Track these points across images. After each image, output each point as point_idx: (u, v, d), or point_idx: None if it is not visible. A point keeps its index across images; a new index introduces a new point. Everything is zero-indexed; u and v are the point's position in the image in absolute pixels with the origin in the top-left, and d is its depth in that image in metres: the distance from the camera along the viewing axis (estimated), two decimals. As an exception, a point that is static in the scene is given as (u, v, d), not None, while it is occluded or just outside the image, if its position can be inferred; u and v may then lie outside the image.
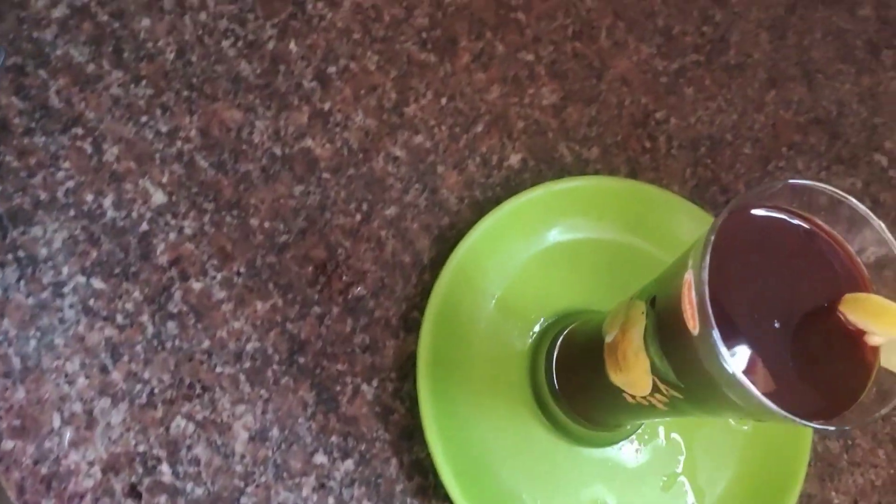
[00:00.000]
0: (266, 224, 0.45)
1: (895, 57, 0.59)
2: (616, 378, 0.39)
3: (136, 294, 0.42)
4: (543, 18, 0.53)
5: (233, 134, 0.45)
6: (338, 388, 0.43)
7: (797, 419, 0.29)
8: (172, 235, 0.43)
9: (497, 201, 0.46)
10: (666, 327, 0.34)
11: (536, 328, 0.47)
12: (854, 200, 0.33)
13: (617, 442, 0.46)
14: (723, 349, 0.29)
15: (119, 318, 0.42)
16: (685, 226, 0.49)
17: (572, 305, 0.47)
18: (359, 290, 0.45)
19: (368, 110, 0.48)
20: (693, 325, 0.31)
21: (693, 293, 0.31)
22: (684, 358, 0.33)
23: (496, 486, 0.43)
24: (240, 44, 0.47)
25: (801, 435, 0.48)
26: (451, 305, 0.45)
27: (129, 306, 0.42)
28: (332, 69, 0.48)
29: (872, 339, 0.32)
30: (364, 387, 0.44)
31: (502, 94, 0.50)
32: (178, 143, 0.45)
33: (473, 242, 0.46)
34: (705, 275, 0.30)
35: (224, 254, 0.44)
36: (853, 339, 0.32)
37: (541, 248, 0.47)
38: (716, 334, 0.29)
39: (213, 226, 0.44)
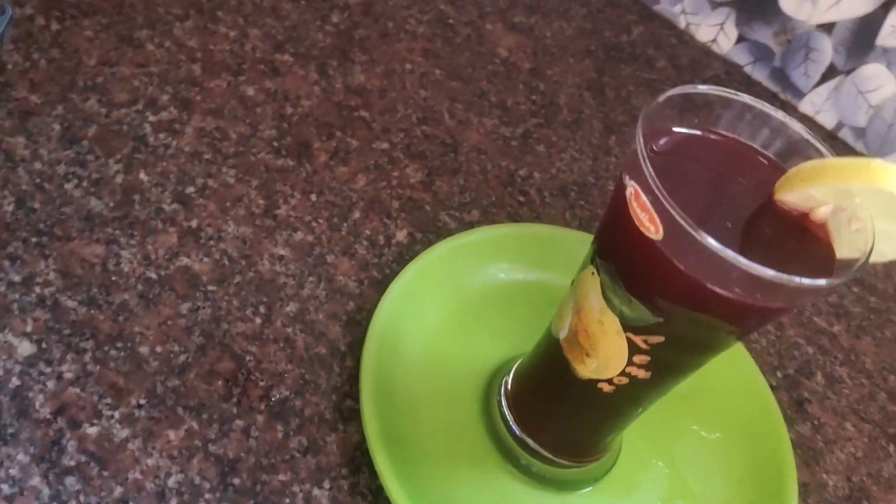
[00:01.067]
0: (158, 349, 0.39)
1: (701, 92, 0.64)
2: (586, 367, 0.36)
3: (21, 456, 0.35)
4: (386, 112, 0.53)
5: (98, 268, 0.41)
6: (286, 500, 0.37)
7: (793, 276, 0.28)
8: (51, 384, 0.37)
9: (396, 275, 0.44)
10: (623, 264, 0.32)
11: (480, 383, 0.43)
12: (749, 97, 0.33)
13: (601, 476, 0.42)
14: (694, 228, 0.28)
15: (5, 488, 0.34)
16: (586, 251, 0.48)
17: (505, 353, 0.44)
18: (280, 392, 0.40)
19: (239, 219, 0.45)
20: (655, 230, 0.29)
21: (643, 197, 0.29)
22: (655, 280, 0.31)
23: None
24: (85, 183, 0.44)
25: (775, 424, 0.46)
26: (385, 383, 0.40)
27: (15, 472, 0.34)
28: (190, 189, 0.45)
29: (818, 214, 0.32)
30: (316, 491, 0.37)
31: (369, 180, 0.49)
32: (37, 289, 0.39)
33: (387, 315, 0.42)
34: (649, 167, 0.29)
35: (117, 389, 0.38)
36: (802, 225, 0.32)
37: (457, 303, 0.45)
38: (681, 216, 0.28)
39: (97, 363, 0.38)
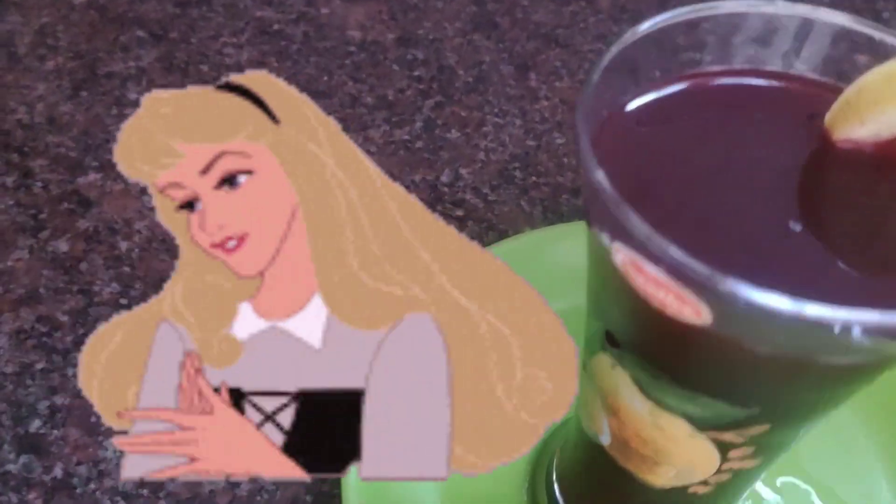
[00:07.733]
0: None
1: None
2: (660, 476, 0.24)
3: None
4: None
5: None
6: None
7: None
8: None
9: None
10: (660, 358, 0.20)
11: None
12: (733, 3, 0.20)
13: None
14: (769, 297, 0.15)
15: None
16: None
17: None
18: None
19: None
20: (695, 313, 0.17)
21: (649, 269, 0.17)
22: (722, 374, 0.19)
23: None
24: None
25: None
26: None
27: None
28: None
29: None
30: None
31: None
32: None
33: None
34: (645, 229, 0.16)
35: None
36: (889, 159, 0.20)
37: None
38: (734, 284, 0.15)
39: None
